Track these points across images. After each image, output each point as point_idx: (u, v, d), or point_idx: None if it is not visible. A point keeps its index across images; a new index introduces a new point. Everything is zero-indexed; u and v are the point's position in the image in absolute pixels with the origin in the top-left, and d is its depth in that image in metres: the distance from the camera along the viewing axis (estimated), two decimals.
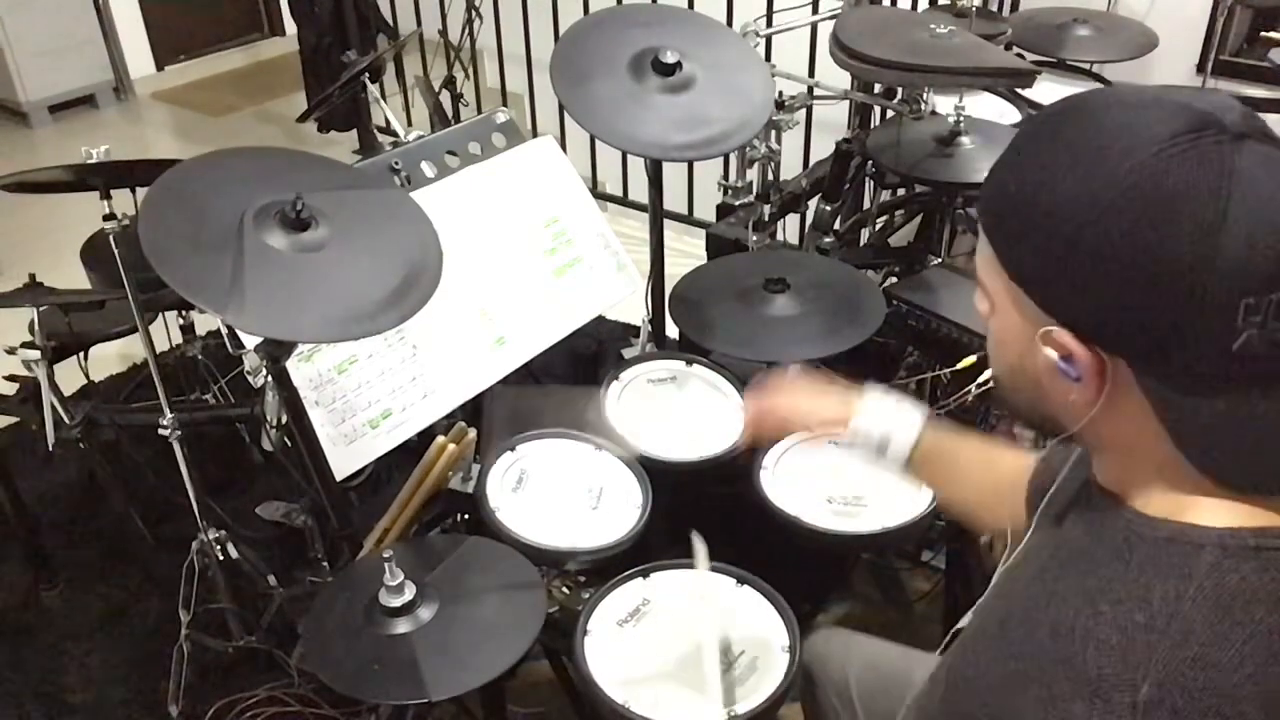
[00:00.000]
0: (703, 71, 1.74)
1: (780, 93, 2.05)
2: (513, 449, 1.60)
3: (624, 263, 2.04)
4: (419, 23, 3.98)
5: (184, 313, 2.51)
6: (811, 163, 2.93)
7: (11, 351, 2.06)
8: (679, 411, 1.71)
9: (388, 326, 1.27)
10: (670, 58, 1.70)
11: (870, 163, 2.25)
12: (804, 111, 2.75)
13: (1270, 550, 0.70)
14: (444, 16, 3.76)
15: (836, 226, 2.31)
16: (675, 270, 1.98)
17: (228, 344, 1.61)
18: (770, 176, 2.25)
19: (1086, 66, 2.71)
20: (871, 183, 2.45)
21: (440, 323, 1.75)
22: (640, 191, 3.38)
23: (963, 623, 0.90)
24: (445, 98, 3.55)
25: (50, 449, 2.16)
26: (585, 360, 2.35)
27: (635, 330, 2.14)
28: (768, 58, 2.48)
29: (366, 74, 2.63)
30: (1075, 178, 0.69)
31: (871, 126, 2.52)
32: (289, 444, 1.95)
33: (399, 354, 1.72)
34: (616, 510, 1.52)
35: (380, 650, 1.24)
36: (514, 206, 1.94)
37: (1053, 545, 0.82)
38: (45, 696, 2.02)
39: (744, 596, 1.39)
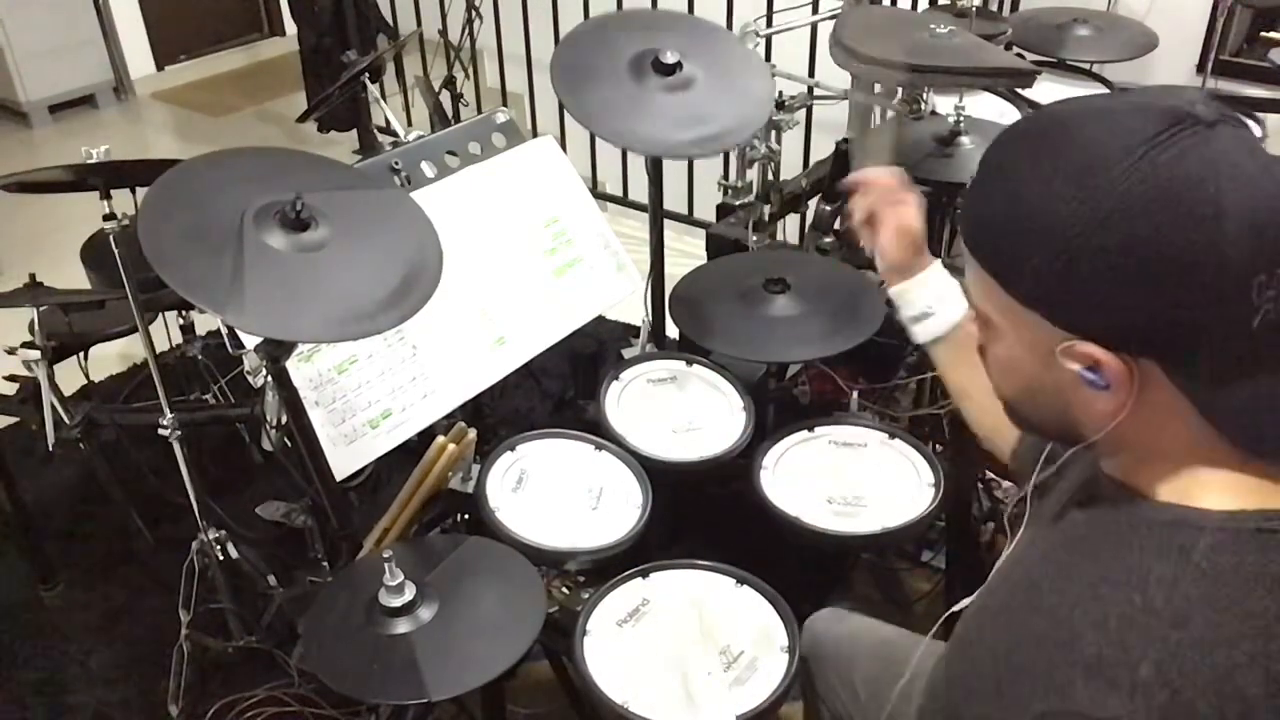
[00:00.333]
0: (703, 72, 1.74)
1: (780, 93, 2.05)
2: (513, 449, 1.60)
3: (624, 263, 2.04)
4: (419, 23, 3.99)
5: (184, 313, 2.51)
6: (811, 163, 2.93)
7: (11, 351, 2.07)
8: (679, 411, 1.71)
9: (388, 326, 1.27)
10: (670, 58, 1.70)
11: None
12: (804, 111, 2.75)
13: (1272, 532, 0.71)
14: (444, 16, 3.77)
15: (836, 226, 2.31)
16: (675, 270, 1.98)
17: (228, 344, 1.61)
18: (770, 176, 2.24)
19: (1086, 66, 2.71)
20: None
21: (440, 323, 1.75)
22: (640, 191, 3.38)
23: (963, 604, 0.91)
24: (445, 98, 3.55)
25: (50, 449, 2.16)
26: (585, 360, 2.35)
27: (635, 330, 2.13)
28: (768, 58, 2.48)
29: (366, 74, 2.63)
30: (1070, 194, 0.69)
31: (871, 126, 2.51)
32: (289, 444, 1.95)
33: (399, 354, 1.72)
34: (616, 510, 1.52)
35: (380, 650, 1.24)
36: (514, 206, 1.94)
37: (1059, 533, 0.83)
38: (45, 696, 2.02)
39: (744, 596, 1.39)
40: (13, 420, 2.47)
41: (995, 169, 0.76)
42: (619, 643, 1.33)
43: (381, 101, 2.68)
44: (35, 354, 2.04)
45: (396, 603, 1.27)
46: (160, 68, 5.05)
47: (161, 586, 2.19)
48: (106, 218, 1.74)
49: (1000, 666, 0.76)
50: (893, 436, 1.63)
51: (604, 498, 1.54)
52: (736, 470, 1.60)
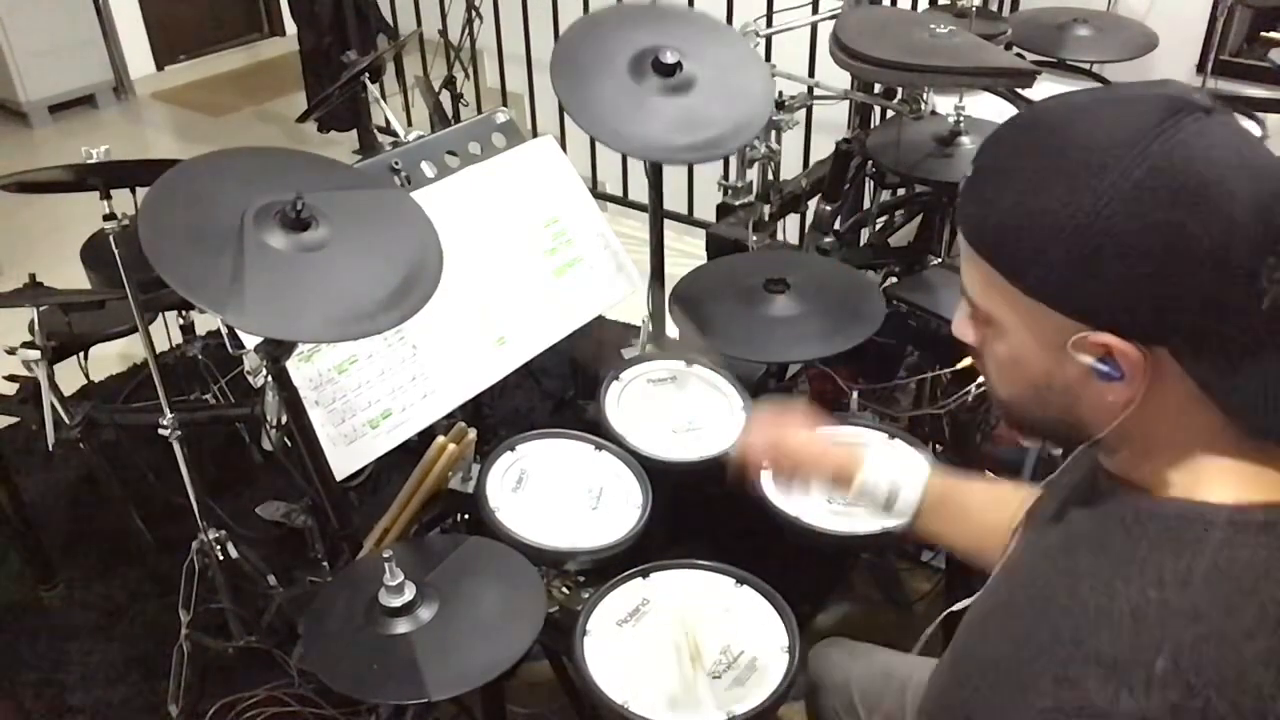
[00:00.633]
0: (703, 72, 1.74)
1: (780, 93, 2.05)
2: (513, 449, 1.60)
3: (624, 263, 2.04)
4: (419, 23, 3.98)
5: (184, 313, 2.51)
6: (811, 163, 2.94)
7: (11, 351, 2.07)
8: (679, 411, 1.71)
9: (388, 326, 1.27)
10: (670, 58, 1.70)
11: (870, 163, 2.25)
12: (804, 111, 2.75)
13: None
14: (444, 16, 3.76)
15: (836, 226, 2.31)
16: (675, 270, 1.98)
17: (228, 344, 1.61)
18: (770, 176, 2.24)
19: (1086, 66, 2.71)
20: (871, 183, 2.44)
21: (440, 322, 1.75)
22: (640, 191, 3.38)
23: (964, 604, 0.90)
24: (445, 98, 3.55)
25: (50, 449, 2.16)
26: (585, 360, 2.35)
27: (635, 330, 2.13)
28: (768, 58, 2.48)
29: (366, 74, 2.63)
30: (1080, 186, 0.69)
31: (871, 126, 2.52)
32: (289, 444, 1.95)
33: (399, 354, 1.72)
34: (616, 510, 1.52)
35: (380, 650, 1.24)
36: (514, 206, 1.94)
37: (1060, 531, 0.83)
38: (45, 696, 2.02)
39: (744, 596, 1.39)
40: (13, 420, 2.48)
41: (995, 166, 0.76)
42: (619, 643, 1.33)
43: (381, 101, 2.68)
44: (35, 354, 2.04)
45: (396, 603, 1.27)
46: (160, 68, 5.05)
47: (161, 586, 2.19)
48: (106, 218, 1.74)
49: (1008, 665, 0.76)
50: (893, 437, 1.63)
51: (604, 498, 1.54)
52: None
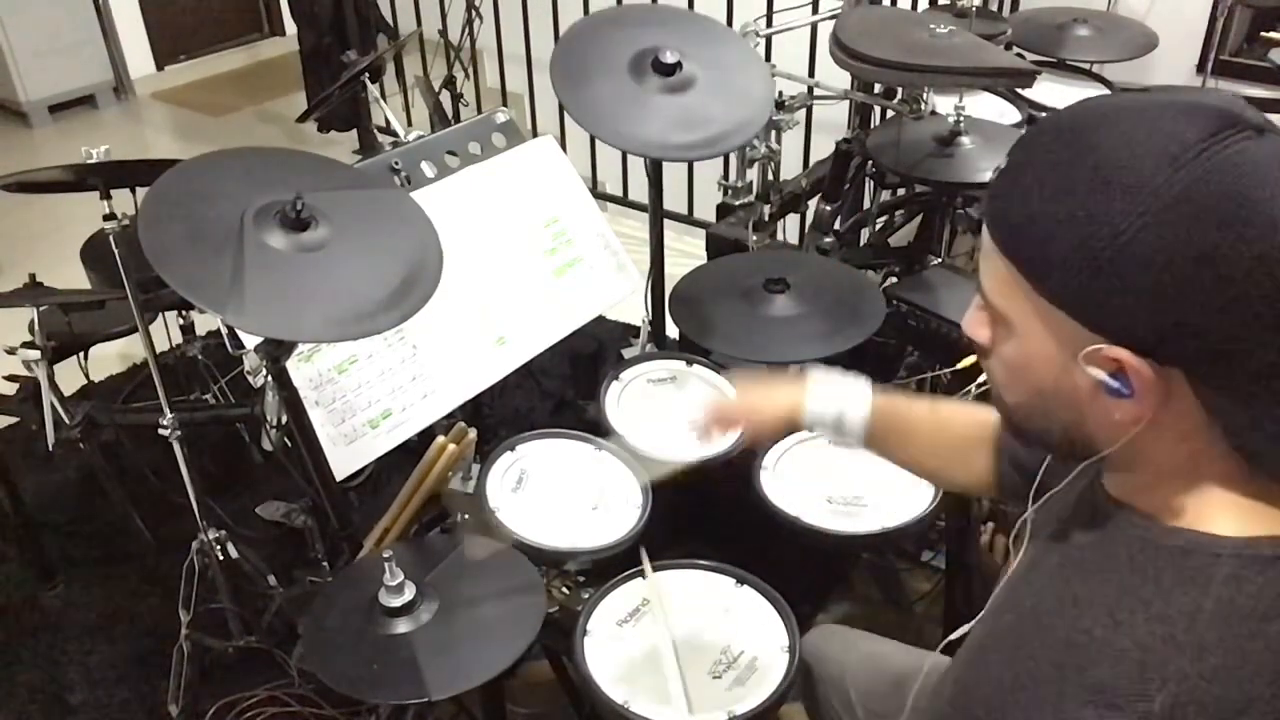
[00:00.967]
0: (703, 72, 1.74)
1: (780, 93, 2.05)
2: (513, 449, 1.60)
3: (624, 263, 2.04)
4: (419, 23, 3.98)
5: (184, 313, 2.51)
6: (811, 163, 2.93)
7: (11, 351, 2.07)
8: (679, 411, 1.71)
9: (388, 326, 1.27)
10: (670, 58, 1.70)
11: (870, 163, 2.25)
12: (804, 111, 2.75)
13: None
14: (444, 16, 3.76)
15: (836, 226, 2.31)
16: (675, 270, 1.98)
17: (228, 344, 1.61)
18: (770, 176, 2.24)
19: (1086, 66, 2.71)
20: (871, 183, 2.45)
21: (440, 322, 1.75)
22: (640, 191, 3.38)
23: (963, 630, 0.90)
24: (445, 98, 3.55)
25: (50, 449, 2.16)
26: (585, 360, 2.35)
27: (635, 330, 2.14)
28: (768, 58, 2.48)
29: (366, 74, 2.63)
30: (1115, 195, 0.66)
31: (871, 126, 2.52)
32: (289, 444, 1.95)
33: (399, 354, 1.72)
34: (616, 510, 1.52)
35: (380, 650, 1.24)
36: (514, 206, 1.94)
37: (1060, 553, 0.81)
38: (45, 696, 2.02)
39: (744, 596, 1.39)
40: (13, 420, 2.48)
41: (1030, 166, 0.72)
42: (619, 643, 1.33)
43: (381, 101, 2.68)
44: (35, 354, 2.04)
45: (396, 603, 1.27)
46: (160, 68, 5.05)
47: (161, 586, 2.19)
48: (106, 218, 1.74)
49: (1008, 690, 0.75)
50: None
51: (604, 498, 1.54)
52: (736, 470, 1.60)
